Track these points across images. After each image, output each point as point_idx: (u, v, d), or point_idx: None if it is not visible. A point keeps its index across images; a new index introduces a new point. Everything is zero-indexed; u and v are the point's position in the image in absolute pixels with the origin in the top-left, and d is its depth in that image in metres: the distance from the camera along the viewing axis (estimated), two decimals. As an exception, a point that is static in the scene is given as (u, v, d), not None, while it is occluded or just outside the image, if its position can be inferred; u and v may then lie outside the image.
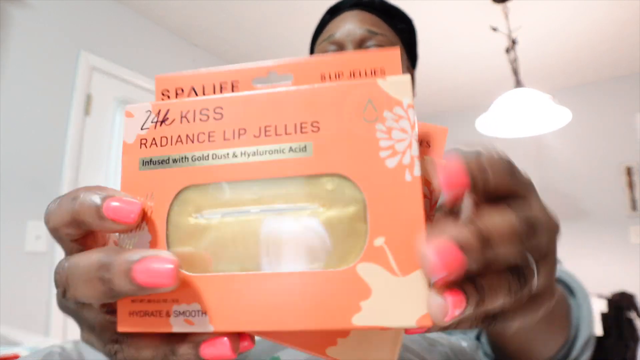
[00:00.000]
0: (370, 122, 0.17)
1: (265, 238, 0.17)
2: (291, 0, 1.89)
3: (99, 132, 1.79)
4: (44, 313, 1.53)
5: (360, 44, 0.55)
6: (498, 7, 1.93)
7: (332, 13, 0.61)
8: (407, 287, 0.15)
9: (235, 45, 2.29)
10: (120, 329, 0.17)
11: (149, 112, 0.18)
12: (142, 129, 0.18)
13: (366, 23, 0.56)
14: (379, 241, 0.16)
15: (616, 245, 2.53)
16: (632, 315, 2.21)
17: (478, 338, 0.48)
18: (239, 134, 0.17)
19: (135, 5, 1.95)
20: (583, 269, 2.58)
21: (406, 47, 0.60)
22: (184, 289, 0.17)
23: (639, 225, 2.49)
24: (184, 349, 0.17)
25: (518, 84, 1.80)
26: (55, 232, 0.18)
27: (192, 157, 0.18)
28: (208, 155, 0.17)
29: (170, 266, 0.16)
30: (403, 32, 0.60)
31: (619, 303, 2.23)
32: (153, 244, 0.18)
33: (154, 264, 0.16)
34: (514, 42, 1.87)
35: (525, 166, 2.89)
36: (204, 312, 0.17)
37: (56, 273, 0.18)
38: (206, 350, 0.17)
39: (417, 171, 0.16)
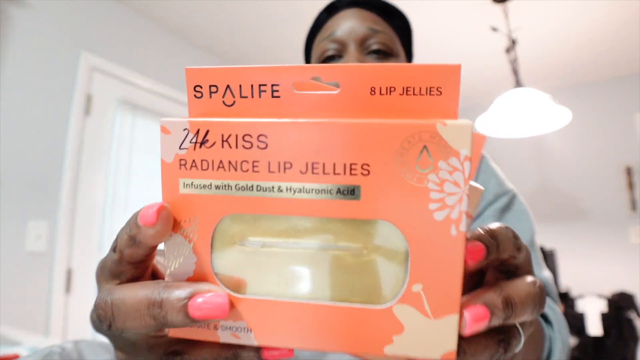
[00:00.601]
0: (423, 171, 0.16)
1: (307, 270, 0.18)
2: (291, 0, 1.89)
3: (99, 132, 1.79)
4: (44, 313, 1.53)
5: (363, 42, 0.55)
6: (498, 7, 1.93)
7: (330, 11, 0.60)
8: (437, 328, 0.17)
9: (235, 45, 2.29)
10: (171, 333, 0.18)
11: (187, 131, 0.17)
12: (180, 148, 0.18)
13: (367, 21, 0.56)
14: (417, 287, 0.17)
15: (616, 246, 2.53)
16: (632, 315, 2.21)
17: None
18: (285, 168, 0.17)
19: (135, 6, 1.95)
20: (583, 269, 2.58)
21: (403, 44, 0.60)
22: (231, 308, 0.18)
23: (639, 225, 2.49)
24: (247, 353, 0.19)
25: (518, 84, 1.80)
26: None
27: (235, 186, 0.17)
28: (252, 187, 0.17)
29: (224, 301, 0.17)
30: (400, 29, 0.60)
31: (619, 303, 2.23)
32: (199, 267, 0.18)
33: (208, 300, 0.17)
34: (514, 42, 1.87)
35: (525, 166, 2.89)
36: (250, 330, 0.18)
37: (98, 307, 0.18)
38: (268, 352, 0.19)
39: (463, 226, 0.16)
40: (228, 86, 0.18)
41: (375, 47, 0.54)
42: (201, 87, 0.19)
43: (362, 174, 0.16)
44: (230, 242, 0.18)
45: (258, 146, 0.17)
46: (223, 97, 0.18)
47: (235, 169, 0.17)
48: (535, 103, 1.64)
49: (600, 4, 1.95)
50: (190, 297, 0.17)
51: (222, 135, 0.17)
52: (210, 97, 0.19)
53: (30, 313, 1.50)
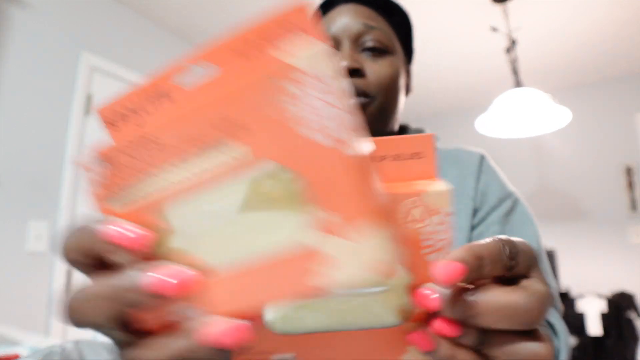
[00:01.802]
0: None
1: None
2: (291, 0, 1.89)
3: (99, 132, 1.79)
4: (44, 313, 1.54)
5: (357, 39, 0.53)
6: (498, 7, 1.93)
7: (326, 7, 0.59)
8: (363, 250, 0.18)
9: (235, 45, 2.29)
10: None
11: (97, 160, 0.19)
12: (101, 176, 0.19)
13: (362, 17, 0.55)
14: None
15: (616, 246, 2.53)
16: (632, 315, 2.21)
17: None
18: None
19: (135, 6, 1.95)
20: (583, 269, 2.58)
21: (402, 41, 0.59)
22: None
23: (639, 226, 2.49)
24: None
25: (518, 84, 1.80)
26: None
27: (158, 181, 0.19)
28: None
29: (188, 274, 0.17)
30: (399, 25, 0.58)
31: (619, 303, 2.23)
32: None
33: (176, 275, 0.17)
34: (514, 42, 1.87)
35: (525, 166, 2.89)
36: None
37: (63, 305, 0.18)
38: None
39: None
40: (134, 109, 0.19)
41: (370, 44, 0.53)
42: (115, 120, 0.19)
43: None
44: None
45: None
46: (137, 120, 0.19)
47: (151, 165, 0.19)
48: (535, 103, 1.64)
49: (600, 4, 1.95)
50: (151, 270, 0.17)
51: (125, 150, 0.19)
52: (126, 123, 0.19)
53: (30, 313, 1.50)
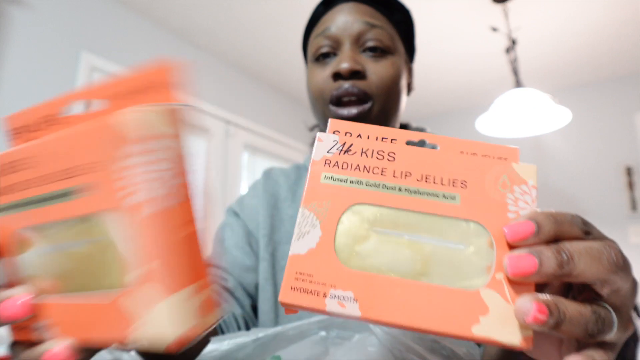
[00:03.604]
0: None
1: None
2: (291, 0, 1.89)
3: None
4: (44, 313, 1.54)
5: (358, 39, 0.52)
6: (498, 7, 1.93)
7: (326, 5, 0.58)
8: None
9: (235, 45, 2.29)
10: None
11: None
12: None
13: (363, 15, 0.53)
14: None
15: (616, 245, 2.53)
16: (632, 315, 2.21)
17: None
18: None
19: (135, 6, 1.95)
20: (583, 269, 2.58)
21: (404, 39, 0.58)
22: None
23: (639, 225, 2.49)
24: None
25: (518, 84, 1.80)
26: None
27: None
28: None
29: (24, 300, 0.21)
30: (400, 23, 0.57)
31: (619, 303, 2.23)
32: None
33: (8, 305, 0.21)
34: (514, 42, 1.87)
35: (525, 166, 2.89)
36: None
37: None
38: None
39: None
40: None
41: (370, 43, 0.52)
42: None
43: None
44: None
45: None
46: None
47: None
48: (535, 103, 1.64)
49: (600, 4, 1.95)
50: None
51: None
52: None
53: (30, 313, 1.50)
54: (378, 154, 0.24)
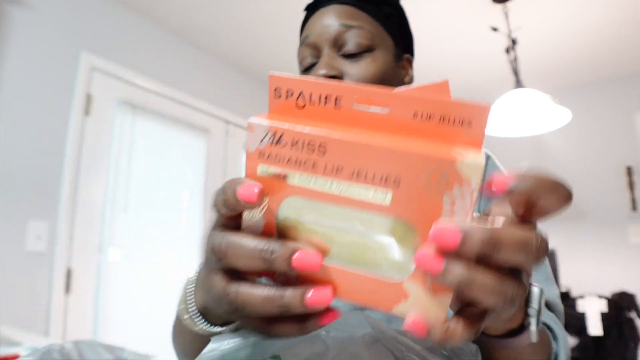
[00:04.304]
0: (440, 191, 0.21)
1: (346, 246, 0.24)
2: (291, 0, 1.89)
3: (99, 132, 1.79)
4: (44, 313, 1.54)
5: (336, 42, 0.51)
6: (498, 7, 1.93)
7: (311, 10, 0.57)
8: (434, 302, 0.22)
9: (235, 45, 2.29)
10: None
11: (267, 132, 0.23)
12: (260, 142, 0.23)
13: (340, 17, 0.52)
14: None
15: (616, 245, 2.53)
16: (632, 315, 2.21)
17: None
18: (337, 170, 0.22)
19: (135, 6, 1.95)
20: (583, 269, 2.58)
21: (392, 31, 0.56)
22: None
23: (639, 225, 2.49)
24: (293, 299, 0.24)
25: (518, 84, 1.80)
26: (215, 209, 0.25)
27: (298, 177, 0.23)
28: (311, 180, 0.23)
29: (317, 259, 0.22)
30: (388, 16, 0.55)
31: (619, 303, 2.23)
32: (266, 229, 0.25)
33: (306, 257, 0.22)
34: (514, 42, 1.87)
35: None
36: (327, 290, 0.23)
37: (210, 243, 0.25)
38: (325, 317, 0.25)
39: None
40: (301, 92, 0.24)
41: (348, 45, 0.51)
42: (280, 89, 0.24)
43: (393, 184, 0.22)
44: (292, 216, 0.24)
45: (318, 152, 0.22)
46: (297, 100, 0.24)
47: (299, 165, 0.23)
48: (535, 103, 1.64)
49: (600, 4, 1.95)
50: (294, 251, 0.22)
51: (293, 139, 0.23)
52: (287, 99, 0.24)
53: (30, 313, 1.50)
54: (308, 146, 0.22)
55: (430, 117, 0.22)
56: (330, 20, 0.52)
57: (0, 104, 1.47)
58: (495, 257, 0.20)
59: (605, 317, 2.20)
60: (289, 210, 0.24)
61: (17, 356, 0.88)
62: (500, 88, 2.76)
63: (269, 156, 0.23)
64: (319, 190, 0.23)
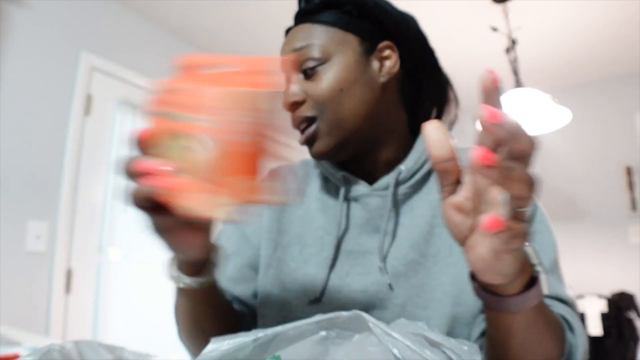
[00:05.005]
0: (243, 115, 0.29)
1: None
2: (291, 0, 1.89)
3: (99, 132, 1.79)
4: (44, 313, 1.54)
5: (296, 67, 0.51)
6: (498, 7, 1.93)
7: (286, 33, 0.57)
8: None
9: (235, 45, 2.29)
10: None
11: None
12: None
13: (294, 41, 0.52)
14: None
15: (615, 245, 2.53)
16: (632, 315, 2.22)
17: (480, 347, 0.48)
18: (189, 107, 0.30)
19: (135, 6, 1.95)
20: (583, 269, 2.58)
21: (355, 28, 0.52)
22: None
23: (639, 225, 2.49)
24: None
25: (518, 83, 1.80)
26: None
27: (172, 115, 0.31)
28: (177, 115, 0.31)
29: (154, 164, 0.31)
30: (351, 11, 0.52)
31: (619, 303, 2.24)
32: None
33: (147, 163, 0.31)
34: (514, 42, 1.87)
35: (525, 166, 2.89)
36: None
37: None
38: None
39: None
40: (187, 65, 0.34)
41: (303, 66, 0.50)
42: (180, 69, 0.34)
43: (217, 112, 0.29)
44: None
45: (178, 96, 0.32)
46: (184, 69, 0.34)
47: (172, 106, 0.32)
48: (535, 103, 1.64)
49: (600, 4, 1.95)
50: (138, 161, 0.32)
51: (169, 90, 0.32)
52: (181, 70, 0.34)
53: (30, 313, 1.50)
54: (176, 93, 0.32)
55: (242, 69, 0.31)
56: (287, 47, 0.53)
57: (0, 104, 1.47)
58: (513, 144, 0.29)
59: (605, 317, 2.20)
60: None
61: (17, 356, 0.88)
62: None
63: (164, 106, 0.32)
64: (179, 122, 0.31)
